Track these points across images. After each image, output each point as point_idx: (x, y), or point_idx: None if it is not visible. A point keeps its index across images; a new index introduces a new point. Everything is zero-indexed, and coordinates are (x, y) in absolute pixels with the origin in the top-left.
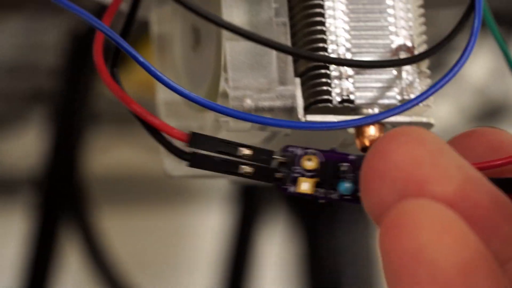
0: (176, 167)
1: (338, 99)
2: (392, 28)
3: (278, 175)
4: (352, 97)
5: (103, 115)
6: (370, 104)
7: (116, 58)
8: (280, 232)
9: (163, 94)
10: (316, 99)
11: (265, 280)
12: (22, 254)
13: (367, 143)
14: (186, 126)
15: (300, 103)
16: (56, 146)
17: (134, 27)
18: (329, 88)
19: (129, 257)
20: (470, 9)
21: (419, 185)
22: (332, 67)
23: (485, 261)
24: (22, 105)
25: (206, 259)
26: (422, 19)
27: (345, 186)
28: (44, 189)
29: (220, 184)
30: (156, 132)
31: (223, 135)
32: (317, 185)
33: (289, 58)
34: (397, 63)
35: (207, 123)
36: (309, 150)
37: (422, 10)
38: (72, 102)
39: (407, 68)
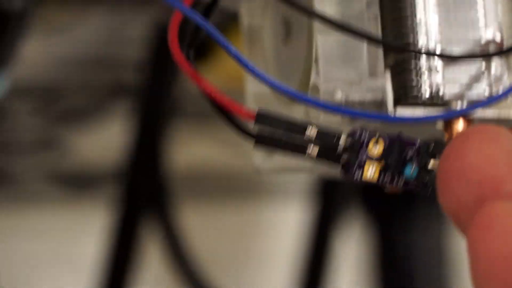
0: (265, 161)
1: (428, 92)
2: (481, 21)
3: (344, 158)
4: (441, 90)
5: (187, 109)
6: (459, 98)
7: (194, 39)
8: (356, 228)
9: (251, 86)
10: (405, 92)
11: (339, 278)
12: (103, 248)
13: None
14: None
15: (390, 96)
16: (139, 139)
17: (215, 13)
18: (419, 81)
19: (207, 253)
20: None
21: (495, 185)
22: (422, 60)
23: None
24: (105, 98)
25: (283, 257)
26: None
27: (411, 170)
28: (127, 183)
29: (300, 181)
30: (224, 111)
31: None
32: (383, 170)
33: (380, 51)
34: (487, 55)
35: (296, 116)
36: (376, 133)
37: None
38: (156, 95)
39: (496, 62)
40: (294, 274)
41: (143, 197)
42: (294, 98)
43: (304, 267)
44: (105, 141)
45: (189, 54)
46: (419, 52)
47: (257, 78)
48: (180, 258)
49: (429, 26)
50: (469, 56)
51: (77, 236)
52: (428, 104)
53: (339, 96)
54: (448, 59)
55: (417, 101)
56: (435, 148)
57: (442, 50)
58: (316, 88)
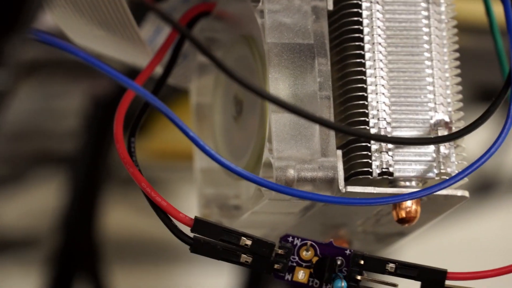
0: None
1: (378, 171)
2: (431, 104)
3: (276, 266)
4: (391, 169)
5: (121, 174)
6: (408, 178)
7: (135, 128)
8: None
9: (200, 162)
10: (356, 171)
11: None
12: None
13: (403, 214)
14: (223, 194)
15: (341, 174)
16: (73, 204)
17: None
18: (370, 161)
19: None
20: (507, 85)
21: None
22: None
23: None
24: (32, 166)
25: None
26: (460, 96)
27: (340, 285)
28: (58, 246)
29: None
30: (162, 213)
31: (265, 203)
32: (313, 276)
33: (332, 131)
34: (436, 141)
35: (243, 191)
36: (307, 242)
37: (460, 87)
38: (90, 163)
39: (444, 143)
40: None
41: (75, 259)
42: (246, 178)
43: None
44: (31, 206)
45: (130, 144)
46: (369, 138)
47: (209, 156)
48: None
49: (380, 108)
50: (419, 143)
51: None
52: (378, 182)
53: (291, 173)
54: None
55: (367, 178)
56: (366, 262)
57: (392, 131)
58: (269, 165)
